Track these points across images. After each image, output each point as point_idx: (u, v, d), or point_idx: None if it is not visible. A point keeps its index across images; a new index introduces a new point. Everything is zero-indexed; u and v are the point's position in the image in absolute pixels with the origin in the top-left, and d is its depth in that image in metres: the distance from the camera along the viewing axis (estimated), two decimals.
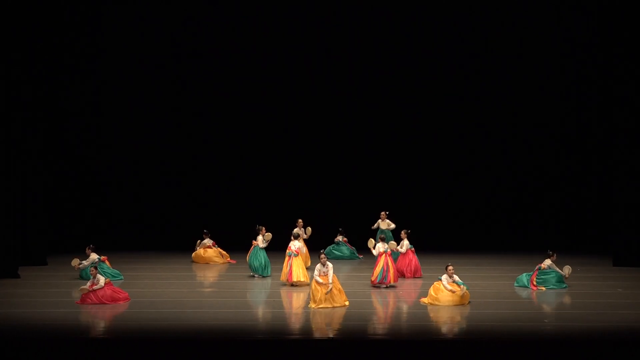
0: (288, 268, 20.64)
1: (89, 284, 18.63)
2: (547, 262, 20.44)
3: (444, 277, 18.52)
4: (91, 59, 26.97)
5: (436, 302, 18.37)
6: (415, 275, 21.84)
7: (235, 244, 24.26)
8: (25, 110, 22.72)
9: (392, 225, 23.76)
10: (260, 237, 21.77)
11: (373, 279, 20.49)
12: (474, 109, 27.84)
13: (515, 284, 20.70)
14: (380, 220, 24.02)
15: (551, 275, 20.32)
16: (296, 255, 20.74)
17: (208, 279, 22.41)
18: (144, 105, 27.68)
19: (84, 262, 21.16)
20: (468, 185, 27.98)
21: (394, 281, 20.54)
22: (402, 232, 22.18)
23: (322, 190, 27.87)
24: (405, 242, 21.96)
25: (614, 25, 23.39)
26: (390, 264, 20.48)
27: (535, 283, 20.31)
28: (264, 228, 21.88)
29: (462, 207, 27.92)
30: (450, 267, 18.55)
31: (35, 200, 23.19)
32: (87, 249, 21.48)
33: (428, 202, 27.64)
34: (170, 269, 23.28)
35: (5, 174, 21.97)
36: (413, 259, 21.92)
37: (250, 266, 21.85)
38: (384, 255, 20.49)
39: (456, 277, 18.54)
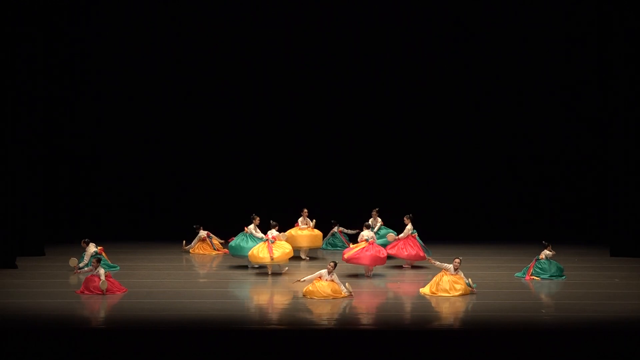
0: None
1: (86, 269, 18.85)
2: (546, 252, 20.46)
3: (449, 266, 18.47)
4: (87, 51, 26.94)
5: (435, 293, 18.38)
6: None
7: (231, 234, 24.21)
8: (22, 102, 22.65)
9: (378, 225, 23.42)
10: (252, 225, 21.74)
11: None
12: (471, 101, 27.80)
13: (516, 275, 20.78)
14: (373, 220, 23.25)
15: (549, 266, 20.33)
16: (272, 241, 20.85)
17: (204, 270, 22.41)
18: (138, 98, 27.59)
19: (84, 257, 21.04)
20: (466, 175, 27.94)
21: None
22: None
23: (319, 181, 27.84)
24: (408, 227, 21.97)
25: (614, 15, 23.38)
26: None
27: (531, 273, 20.33)
28: (257, 218, 21.92)
29: (460, 197, 27.87)
30: (457, 261, 18.44)
31: (33, 190, 23.15)
32: (82, 242, 21.41)
33: (427, 193, 27.59)
34: (167, 259, 23.27)
35: (2, 165, 21.93)
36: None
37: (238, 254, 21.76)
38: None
39: (460, 273, 18.49)
